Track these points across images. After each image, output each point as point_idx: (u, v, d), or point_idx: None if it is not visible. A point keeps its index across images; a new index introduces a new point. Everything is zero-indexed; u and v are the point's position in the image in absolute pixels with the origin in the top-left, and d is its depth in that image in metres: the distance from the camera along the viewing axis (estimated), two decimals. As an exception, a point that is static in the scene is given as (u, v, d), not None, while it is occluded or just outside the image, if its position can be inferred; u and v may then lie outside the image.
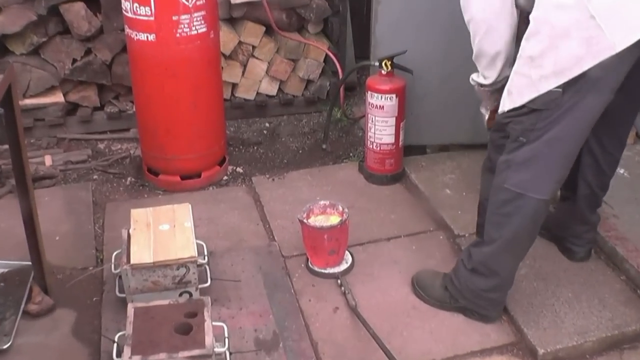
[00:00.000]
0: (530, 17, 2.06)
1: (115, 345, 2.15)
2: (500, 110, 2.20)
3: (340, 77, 4.10)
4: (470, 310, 2.56)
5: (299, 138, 4.13)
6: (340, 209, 2.85)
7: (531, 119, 2.10)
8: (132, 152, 3.87)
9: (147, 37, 3.09)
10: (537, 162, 2.17)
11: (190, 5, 3.05)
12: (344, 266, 2.86)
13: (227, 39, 4.00)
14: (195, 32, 3.12)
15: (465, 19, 2.26)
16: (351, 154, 3.87)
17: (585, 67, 1.98)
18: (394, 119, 3.33)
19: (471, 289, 2.50)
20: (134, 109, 3.69)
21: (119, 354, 2.09)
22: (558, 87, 2.03)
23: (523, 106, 2.12)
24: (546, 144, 2.13)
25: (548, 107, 2.06)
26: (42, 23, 3.75)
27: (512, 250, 2.39)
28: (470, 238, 2.89)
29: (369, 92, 3.33)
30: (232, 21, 4.12)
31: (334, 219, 2.83)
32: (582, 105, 2.06)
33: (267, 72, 4.23)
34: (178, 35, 3.09)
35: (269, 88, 4.31)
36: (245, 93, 4.27)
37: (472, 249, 2.46)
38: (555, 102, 2.05)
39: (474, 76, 2.44)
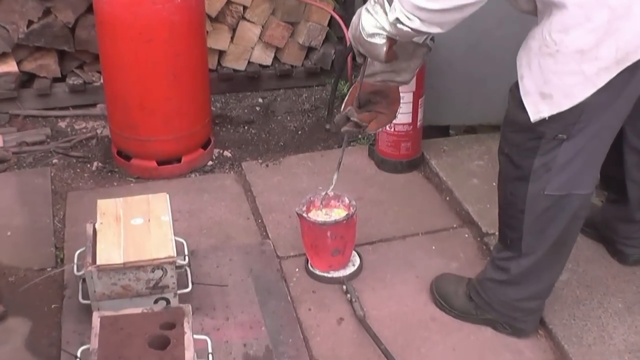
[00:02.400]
0: (570, 4, 1.99)
1: (77, 361, 2.15)
2: (534, 117, 2.14)
3: (348, 43, 4.07)
4: (501, 323, 2.55)
5: (298, 116, 4.12)
6: (347, 201, 2.84)
7: (575, 111, 2.07)
8: (99, 131, 3.86)
9: (118, -6, 3.08)
10: (582, 158, 2.16)
11: (169, -43, 3.04)
12: (350, 269, 2.85)
13: (213, -3, 3.99)
14: (175, -12, 3.11)
15: None
16: (360, 136, 3.85)
17: None
18: (411, 94, 3.31)
19: (503, 301, 2.49)
20: (102, 81, 3.68)
21: (81, 372, 2.08)
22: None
23: None
24: (593, 136, 2.12)
25: (596, 97, 2.05)
26: (-9, -23, 3.74)
27: (558, 254, 2.40)
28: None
29: (381, 61, 3.30)
30: (219, -24, 4.10)
31: (339, 213, 2.82)
32: (634, 81, 2.05)
33: (260, 37, 4.21)
34: (154, -8, 3.08)
35: (263, 56, 4.29)
36: (235, 62, 4.25)
37: (505, 263, 2.45)
38: (608, 89, 2.04)
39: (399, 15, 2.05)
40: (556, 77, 2.06)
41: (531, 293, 2.46)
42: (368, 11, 2.12)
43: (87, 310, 2.48)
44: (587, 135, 2.11)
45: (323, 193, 2.79)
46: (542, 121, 2.11)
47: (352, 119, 2.39)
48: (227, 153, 3.72)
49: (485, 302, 2.53)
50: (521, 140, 2.22)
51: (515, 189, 2.31)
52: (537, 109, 2.11)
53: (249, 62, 4.28)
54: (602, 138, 2.17)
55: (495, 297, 2.50)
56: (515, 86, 2.18)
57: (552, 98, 2.08)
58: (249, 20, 4.15)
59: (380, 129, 2.46)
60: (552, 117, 2.09)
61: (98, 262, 2.39)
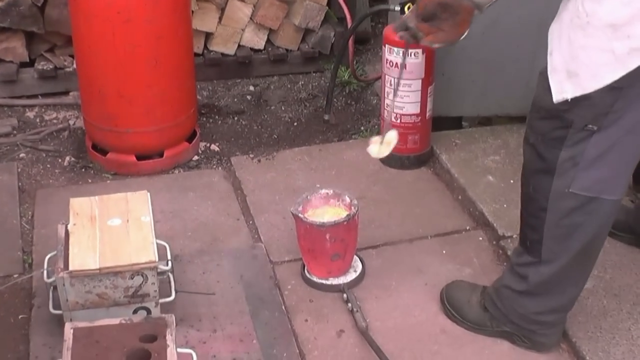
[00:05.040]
0: None
1: (48, 377, 2.15)
2: (557, 97, 2.14)
3: (349, 25, 4.08)
4: (519, 336, 2.55)
5: (294, 106, 4.12)
6: (348, 200, 2.84)
7: (607, 99, 2.07)
8: (71, 122, 3.86)
9: (93, -31, 3.08)
10: (614, 155, 2.15)
11: None
12: (351, 276, 2.86)
13: (199, -27, 3.99)
14: (157, -37, 3.11)
15: None
16: (362, 128, 3.86)
17: None
18: (420, 81, 3.32)
19: (520, 313, 2.50)
20: (75, 66, 3.67)
21: (52, 390, 2.09)
22: None
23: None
24: (628, 130, 2.11)
25: (633, 83, 2.04)
26: (-49, -50, 3.74)
27: (583, 264, 2.39)
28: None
29: (386, 45, 3.31)
30: (205, -50, 4.10)
31: (339, 213, 2.83)
32: None
33: (251, 18, 4.21)
34: (133, -33, 3.08)
35: (255, 39, 4.29)
36: (223, 46, 4.25)
37: (524, 269, 2.45)
38: None
39: None
40: (584, 53, 2.05)
41: (552, 306, 2.46)
42: None
43: (59, 322, 2.48)
44: (621, 128, 2.10)
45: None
46: (572, 108, 2.11)
47: (409, 25, 2.37)
48: (214, 147, 3.73)
49: (501, 313, 2.54)
50: (548, 129, 2.22)
51: (538, 184, 2.31)
52: (562, 89, 2.11)
53: (239, 45, 4.28)
54: (639, 134, 2.14)
55: (513, 308, 2.50)
56: (545, 67, 2.17)
57: (577, 77, 2.07)
58: (239, -1, 4.16)
59: (436, 46, 2.43)
60: (581, 104, 2.09)
61: (71, 268, 2.38)
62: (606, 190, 2.20)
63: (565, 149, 2.18)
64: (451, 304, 2.68)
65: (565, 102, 2.11)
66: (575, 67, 2.07)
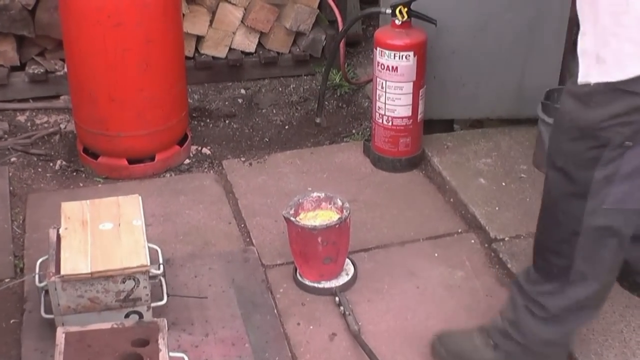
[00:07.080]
0: None
1: (39, 382, 2.15)
2: (581, 79, 2.08)
3: (340, 28, 4.08)
4: None
5: (285, 109, 4.12)
6: (339, 203, 2.84)
7: None
8: (62, 126, 3.86)
9: (83, -28, 3.08)
10: None
11: None
12: (343, 279, 2.86)
13: (190, -24, 3.99)
14: (148, -34, 3.11)
15: None
16: (354, 131, 3.86)
17: None
18: (411, 84, 3.32)
19: (545, 339, 2.36)
20: (65, 70, 3.67)
21: (44, 395, 2.09)
22: None
23: (635, 94, 2.00)
24: None
25: None
26: (-59, -46, 3.73)
27: (613, 274, 2.33)
28: (511, 242, 2.90)
29: (378, 48, 3.32)
30: (196, -47, 4.10)
31: (331, 217, 2.83)
32: None
33: (242, 21, 4.21)
34: (124, -30, 3.08)
35: (246, 42, 4.29)
36: (214, 49, 4.25)
37: (550, 299, 2.31)
38: None
39: None
40: (615, 41, 2.01)
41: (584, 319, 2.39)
42: None
43: (51, 326, 2.47)
44: None
45: None
46: (608, 127, 2.05)
47: None
48: (205, 150, 3.72)
49: (521, 346, 2.39)
50: (581, 149, 2.13)
51: (568, 208, 2.21)
52: (587, 72, 2.07)
53: (230, 48, 4.28)
54: None
55: (537, 336, 2.36)
56: (575, 83, 2.11)
57: (605, 63, 2.03)
58: (230, 2, 4.15)
59: None
60: (621, 122, 2.03)
61: (62, 272, 2.38)
62: (630, 201, 2.14)
63: (599, 168, 2.10)
64: (454, 354, 2.51)
65: (605, 119, 2.04)
66: (605, 53, 2.03)
